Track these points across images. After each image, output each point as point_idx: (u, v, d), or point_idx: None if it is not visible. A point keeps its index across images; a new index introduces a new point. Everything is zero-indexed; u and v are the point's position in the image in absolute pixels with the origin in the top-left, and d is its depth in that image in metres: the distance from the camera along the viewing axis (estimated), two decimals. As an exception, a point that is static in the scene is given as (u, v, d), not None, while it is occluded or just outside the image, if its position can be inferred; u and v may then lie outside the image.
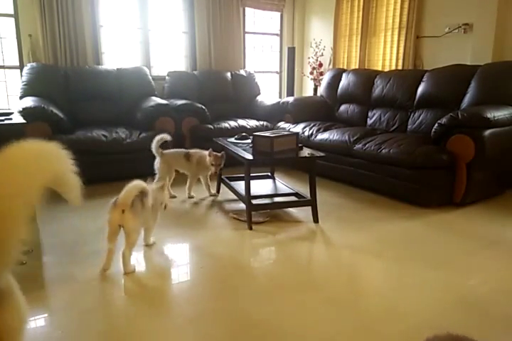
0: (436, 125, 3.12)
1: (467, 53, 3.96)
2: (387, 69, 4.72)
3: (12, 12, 4.14)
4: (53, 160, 0.95)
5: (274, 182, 3.36)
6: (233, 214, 2.95)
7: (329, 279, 2.05)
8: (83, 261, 2.21)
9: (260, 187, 3.20)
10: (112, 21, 4.68)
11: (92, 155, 3.59)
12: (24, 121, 2.84)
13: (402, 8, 4.50)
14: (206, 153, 3.20)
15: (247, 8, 5.54)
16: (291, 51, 5.57)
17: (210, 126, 4.29)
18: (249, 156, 2.68)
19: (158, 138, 3.22)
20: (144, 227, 2.33)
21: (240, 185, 3.05)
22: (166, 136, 3.24)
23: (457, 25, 4.03)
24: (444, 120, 3.06)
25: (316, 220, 2.83)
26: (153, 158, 3.36)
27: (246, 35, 5.64)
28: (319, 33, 5.70)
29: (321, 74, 5.47)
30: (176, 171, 3.38)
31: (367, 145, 3.43)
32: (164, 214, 2.95)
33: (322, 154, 2.88)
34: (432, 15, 4.29)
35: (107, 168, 3.69)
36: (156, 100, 4.17)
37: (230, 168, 3.70)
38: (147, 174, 3.48)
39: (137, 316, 1.72)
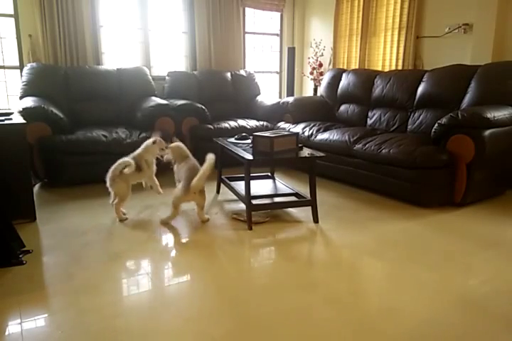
0: (436, 125, 3.12)
1: (467, 53, 3.96)
2: (387, 69, 4.72)
3: (12, 12, 4.15)
4: None
5: (274, 182, 3.36)
6: (233, 214, 2.95)
7: (329, 279, 2.05)
8: (83, 261, 2.21)
9: (260, 187, 3.20)
10: (112, 21, 4.68)
11: (92, 155, 3.60)
12: (24, 121, 2.85)
13: (402, 8, 4.50)
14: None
15: (247, 8, 5.54)
16: (291, 51, 5.57)
17: (210, 126, 4.29)
18: (249, 156, 2.68)
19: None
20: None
21: (240, 185, 3.05)
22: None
23: (457, 25, 4.03)
24: (444, 120, 3.06)
25: (316, 220, 2.83)
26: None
27: (246, 35, 5.64)
28: (319, 33, 5.70)
29: (321, 74, 5.47)
30: None
31: (367, 146, 3.43)
32: (164, 214, 2.95)
33: (322, 154, 2.88)
34: (432, 15, 4.29)
35: (106, 168, 3.67)
36: (156, 100, 4.17)
37: (230, 168, 3.71)
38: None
39: (136, 316, 1.72)
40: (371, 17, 4.90)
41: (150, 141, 3.05)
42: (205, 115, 4.33)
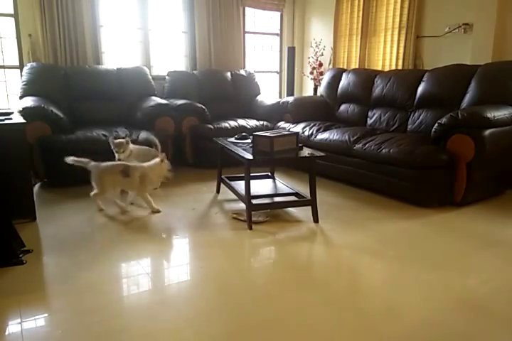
0: (436, 125, 3.12)
1: (467, 53, 3.96)
2: (387, 69, 4.72)
3: (12, 12, 4.14)
4: None
5: (274, 182, 3.36)
6: (233, 214, 2.95)
7: (329, 279, 2.05)
8: (83, 261, 2.21)
9: (260, 187, 3.20)
10: (112, 21, 4.68)
11: (92, 155, 3.59)
12: (24, 121, 2.85)
13: (402, 8, 4.50)
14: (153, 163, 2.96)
15: (247, 8, 5.54)
16: (291, 51, 5.57)
17: (210, 126, 4.29)
18: (249, 156, 2.68)
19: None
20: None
21: (240, 185, 3.05)
22: None
23: (457, 25, 4.03)
24: (444, 120, 3.06)
25: (316, 220, 2.83)
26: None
27: (246, 35, 5.64)
28: (319, 33, 5.70)
29: (321, 74, 5.47)
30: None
31: (367, 145, 3.43)
32: (164, 214, 2.95)
33: (322, 154, 2.88)
34: (432, 15, 4.29)
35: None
36: (156, 100, 4.17)
37: (230, 167, 3.70)
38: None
39: (136, 316, 1.72)
40: (371, 17, 4.90)
41: (158, 159, 2.94)
42: (205, 115, 4.33)
